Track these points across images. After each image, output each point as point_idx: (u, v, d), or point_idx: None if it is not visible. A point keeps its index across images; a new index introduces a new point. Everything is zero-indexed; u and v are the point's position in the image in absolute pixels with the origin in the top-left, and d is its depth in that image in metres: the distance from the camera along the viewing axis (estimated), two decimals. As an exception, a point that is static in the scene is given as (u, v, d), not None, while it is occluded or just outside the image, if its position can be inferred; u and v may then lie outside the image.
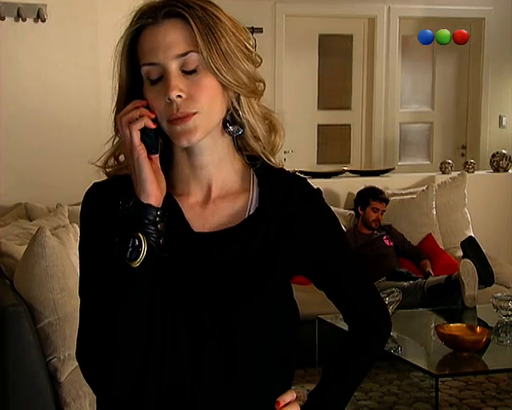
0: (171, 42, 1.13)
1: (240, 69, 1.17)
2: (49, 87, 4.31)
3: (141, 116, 1.14)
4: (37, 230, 2.92)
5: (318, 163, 6.71)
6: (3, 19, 4.14)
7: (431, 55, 6.95)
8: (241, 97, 1.20)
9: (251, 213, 1.23)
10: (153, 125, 1.15)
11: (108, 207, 1.17)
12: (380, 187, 5.01)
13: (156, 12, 1.14)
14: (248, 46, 1.21)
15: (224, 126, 1.21)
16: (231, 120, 1.21)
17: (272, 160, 1.27)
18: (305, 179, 1.31)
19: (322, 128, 6.80)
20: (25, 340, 2.69)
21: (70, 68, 4.36)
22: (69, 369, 2.81)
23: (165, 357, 1.16)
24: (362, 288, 1.37)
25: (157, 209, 1.13)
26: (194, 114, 1.14)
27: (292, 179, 1.29)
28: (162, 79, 1.14)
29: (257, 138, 1.24)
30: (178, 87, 1.13)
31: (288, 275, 1.26)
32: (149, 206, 1.13)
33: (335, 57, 6.73)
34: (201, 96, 1.14)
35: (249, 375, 1.19)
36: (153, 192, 1.13)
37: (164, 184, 1.17)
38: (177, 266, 1.18)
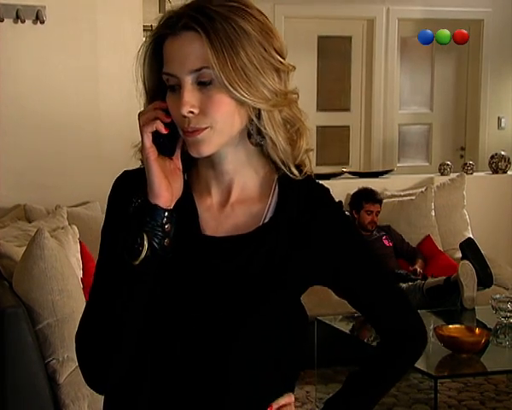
0: (186, 56, 1.11)
1: (261, 83, 1.13)
2: (49, 89, 4.31)
3: (156, 118, 1.15)
4: (36, 231, 2.92)
5: (317, 165, 6.70)
6: (2, 20, 4.14)
7: (430, 56, 6.95)
8: (262, 111, 1.16)
9: (265, 221, 1.21)
10: (164, 130, 1.14)
11: (132, 196, 1.18)
12: (374, 188, 5.00)
13: (177, 22, 1.12)
14: (277, 56, 1.16)
15: (248, 136, 1.19)
16: (255, 130, 1.18)
17: (294, 171, 1.22)
18: (328, 190, 1.29)
19: (321, 130, 6.79)
20: (24, 341, 2.69)
21: (69, 70, 4.36)
22: (68, 371, 2.80)
23: (161, 358, 1.17)
24: (387, 299, 1.32)
25: (164, 211, 1.14)
26: (205, 128, 1.13)
27: (314, 188, 1.27)
28: (180, 88, 1.13)
29: (277, 149, 1.19)
30: (190, 103, 1.12)
31: (298, 287, 1.23)
32: (156, 207, 1.13)
33: (334, 59, 6.73)
34: (213, 111, 1.12)
35: (245, 386, 1.18)
36: (161, 194, 1.14)
37: (178, 184, 1.17)
38: (180, 268, 1.18)
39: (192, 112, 1.12)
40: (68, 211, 4.00)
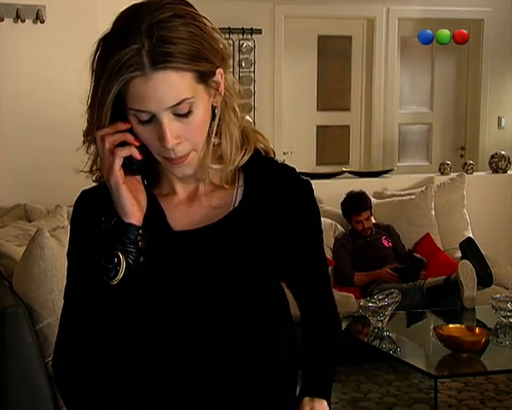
0: (163, 95, 1.09)
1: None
2: (49, 88, 4.31)
3: (126, 142, 1.13)
4: (36, 231, 2.92)
5: (317, 164, 6.71)
6: (2, 20, 4.13)
7: (430, 56, 6.95)
8: (217, 110, 1.19)
9: (235, 206, 1.23)
10: (139, 157, 1.14)
11: (96, 216, 1.18)
12: (372, 188, 4.98)
13: (142, 61, 1.07)
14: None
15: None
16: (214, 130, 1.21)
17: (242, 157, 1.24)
18: (294, 169, 1.31)
19: (321, 129, 6.79)
20: (24, 341, 2.69)
21: (69, 69, 4.36)
22: (68, 370, 2.80)
23: (151, 362, 1.17)
24: (328, 292, 1.39)
25: (138, 228, 1.14)
26: (189, 153, 1.15)
27: (279, 170, 1.29)
28: (153, 119, 1.11)
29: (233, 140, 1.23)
30: (174, 135, 1.11)
31: (278, 267, 1.25)
32: (131, 225, 1.14)
33: (334, 58, 6.73)
34: (195, 136, 1.14)
35: (241, 375, 1.19)
36: (134, 214, 1.14)
37: (143, 199, 1.17)
38: (158, 270, 1.18)
39: (177, 142, 1.12)
40: (68, 210, 3.99)
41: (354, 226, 4.85)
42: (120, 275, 1.12)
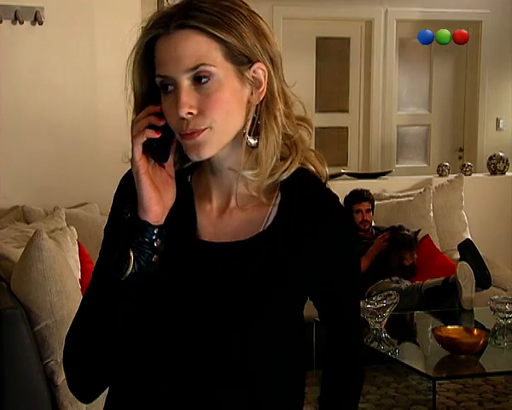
0: (182, 55, 1.08)
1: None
2: (47, 90, 4.31)
3: (148, 125, 1.11)
4: (35, 232, 2.92)
5: (316, 166, 6.71)
6: (1, 21, 4.13)
7: (428, 57, 6.96)
8: (262, 112, 1.15)
9: (264, 229, 1.17)
10: (156, 135, 1.10)
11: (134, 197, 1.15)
12: (370, 188, 4.99)
13: (169, 22, 1.09)
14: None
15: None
16: (251, 130, 1.15)
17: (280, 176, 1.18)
18: (335, 198, 1.22)
19: (319, 131, 6.79)
20: (22, 343, 2.68)
21: (68, 71, 4.36)
22: (66, 372, 2.80)
23: (165, 368, 1.15)
24: (356, 330, 1.34)
25: (154, 228, 1.11)
26: (204, 130, 1.10)
27: (320, 194, 1.21)
28: (175, 90, 1.10)
29: (268, 153, 1.15)
30: (188, 104, 1.08)
31: (297, 295, 1.20)
32: (146, 223, 1.10)
33: (333, 60, 6.74)
34: (213, 111, 1.09)
35: (255, 391, 1.16)
36: (151, 208, 1.10)
37: (171, 194, 1.14)
38: (175, 275, 1.16)
39: (191, 113, 1.08)
40: (67, 212, 4.00)
41: (355, 219, 4.84)
42: (127, 273, 1.09)
